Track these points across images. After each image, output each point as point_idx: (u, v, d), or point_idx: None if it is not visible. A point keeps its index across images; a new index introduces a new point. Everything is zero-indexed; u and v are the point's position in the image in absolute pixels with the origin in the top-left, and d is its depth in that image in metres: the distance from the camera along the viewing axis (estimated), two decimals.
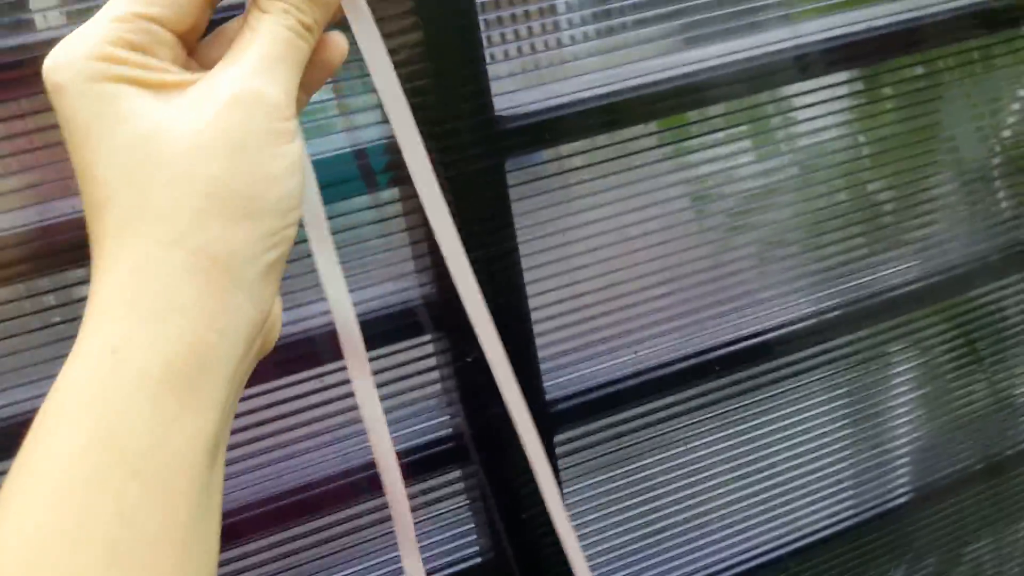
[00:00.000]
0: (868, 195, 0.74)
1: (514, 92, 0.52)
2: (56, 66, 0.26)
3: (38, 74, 0.27)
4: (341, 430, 0.60)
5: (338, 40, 0.32)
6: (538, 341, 0.58)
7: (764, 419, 0.74)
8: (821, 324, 0.70)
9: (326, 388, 0.57)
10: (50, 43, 0.27)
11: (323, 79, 0.31)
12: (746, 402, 0.73)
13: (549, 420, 0.62)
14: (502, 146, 0.52)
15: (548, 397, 0.61)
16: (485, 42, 0.49)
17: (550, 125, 0.52)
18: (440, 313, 0.56)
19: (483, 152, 0.51)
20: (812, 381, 0.75)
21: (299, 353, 0.55)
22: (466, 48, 0.48)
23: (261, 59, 0.27)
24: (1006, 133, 0.81)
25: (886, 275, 0.74)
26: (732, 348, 0.68)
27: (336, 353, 0.44)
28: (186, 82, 0.27)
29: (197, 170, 0.26)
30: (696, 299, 0.65)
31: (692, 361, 0.65)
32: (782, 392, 0.73)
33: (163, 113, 0.26)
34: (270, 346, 0.29)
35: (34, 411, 0.24)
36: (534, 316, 0.58)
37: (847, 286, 0.72)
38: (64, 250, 0.47)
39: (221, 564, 0.40)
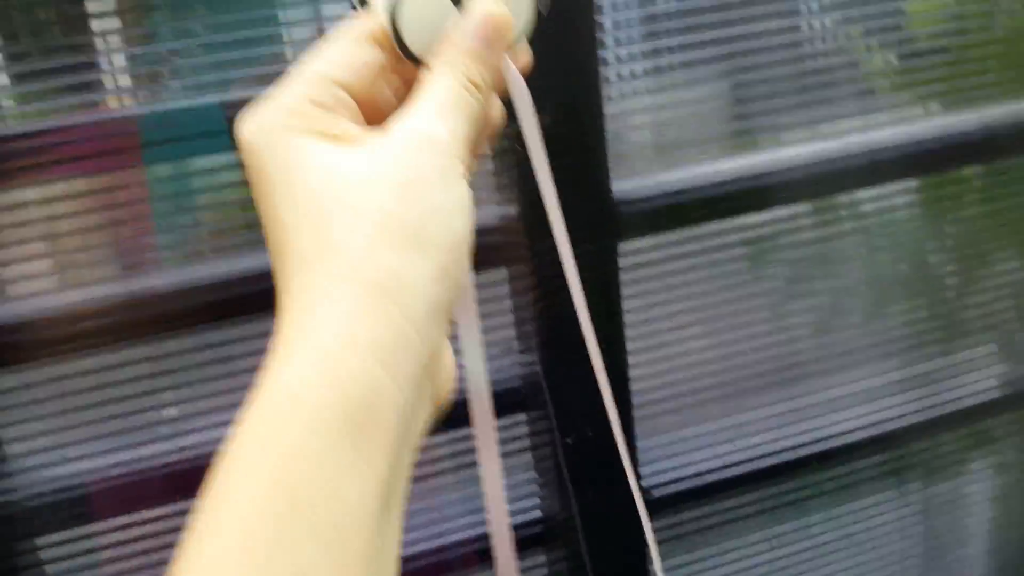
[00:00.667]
0: (966, 298, 0.73)
1: (633, 177, 0.53)
2: (249, 125, 0.28)
3: None
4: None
5: (499, 105, 0.34)
6: (637, 426, 0.58)
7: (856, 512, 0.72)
8: (914, 429, 0.69)
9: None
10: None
11: (487, 137, 0.33)
12: (836, 500, 0.72)
13: (650, 506, 0.62)
14: (617, 229, 0.52)
15: (644, 483, 0.61)
16: (607, 126, 0.50)
17: (666, 211, 0.53)
18: (537, 392, 0.56)
19: (598, 234, 0.51)
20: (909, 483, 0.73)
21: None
22: (590, 134, 0.49)
23: (433, 106, 0.29)
24: None
25: None
26: (825, 447, 0.67)
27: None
28: (365, 138, 0.29)
29: (369, 202, 0.27)
30: (795, 396, 0.64)
31: (787, 456, 0.64)
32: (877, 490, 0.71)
33: (341, 156, 0.28)
34: (444, 397, 0.29)
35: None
36: (634, 400, 0.57)
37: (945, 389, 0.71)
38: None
39: None
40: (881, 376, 0.69)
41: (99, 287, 0.47)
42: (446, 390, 0.30)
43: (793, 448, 0.66)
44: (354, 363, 0.25)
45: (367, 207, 0.27)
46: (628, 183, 0.52)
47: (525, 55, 0.36)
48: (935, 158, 0.63)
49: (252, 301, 0.48)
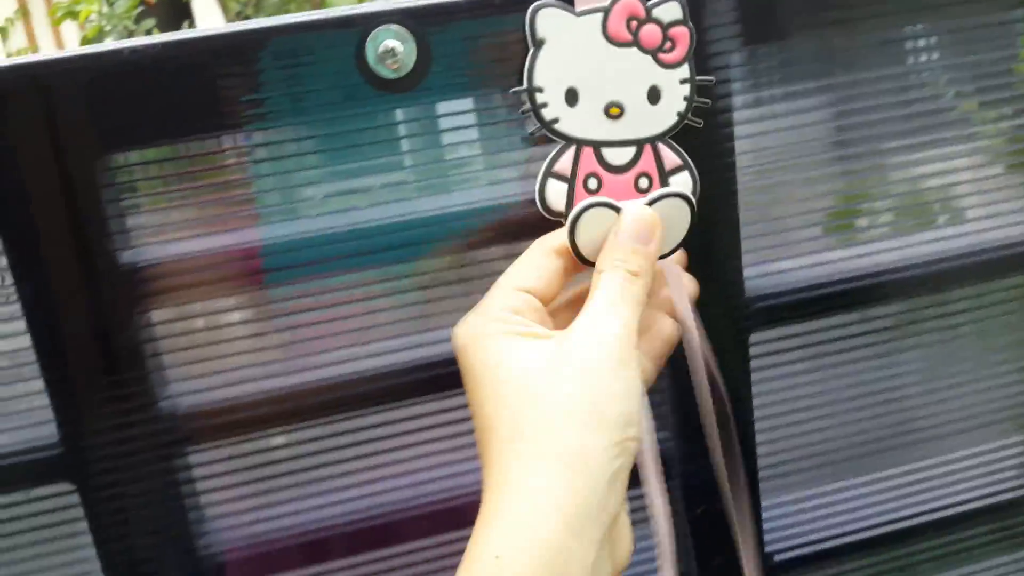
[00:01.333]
0: None
1: (765, 270, 0.58)
2: (460, 332, 0.36)
3: None
4: None
5: (668, 324, 0.42)
6: (763, 503, 0.62)
7: None
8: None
9: None
10: None
11: (665, 352, 0.41)
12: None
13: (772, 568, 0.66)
14: (748, 322, 0.57)
15: (768, 548, 0.65)
16: (741, 222, 0.55)
17: (797, 304, 0.57)
18: (670, 466, 0.61)
19: (729, 326, 0.56)
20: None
21: None
22: (724, 232, 0.54)
23: (603, 302, 0.36)
24: None
25: None
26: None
27: None
28: (551, 335, 0.35)
29: (555, 390, 0.33)
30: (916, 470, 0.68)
31: (905, 524, 0.68)
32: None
33: (531, 353, 0.34)
34: (623, 564, 0.35)
35: None
36: (761, 475, 0.62)
37: None
38: None
39: None
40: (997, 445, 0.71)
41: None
42: (625, 553, 0.36)
43: (913, 516, 0.69)
44: (547, 531, 0.31)
45: (553, 395, 0.33)
46: (760, 277, 0.57)
47: (681, 255, 0.44)
48: None
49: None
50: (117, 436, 0.51)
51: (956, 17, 0.58)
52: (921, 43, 0.59)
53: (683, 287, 0.48)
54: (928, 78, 0.60)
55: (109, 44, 0.45)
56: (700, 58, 0.46)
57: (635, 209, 0.43)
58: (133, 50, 0.44)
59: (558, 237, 0.43)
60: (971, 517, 0.69)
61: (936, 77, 0.60)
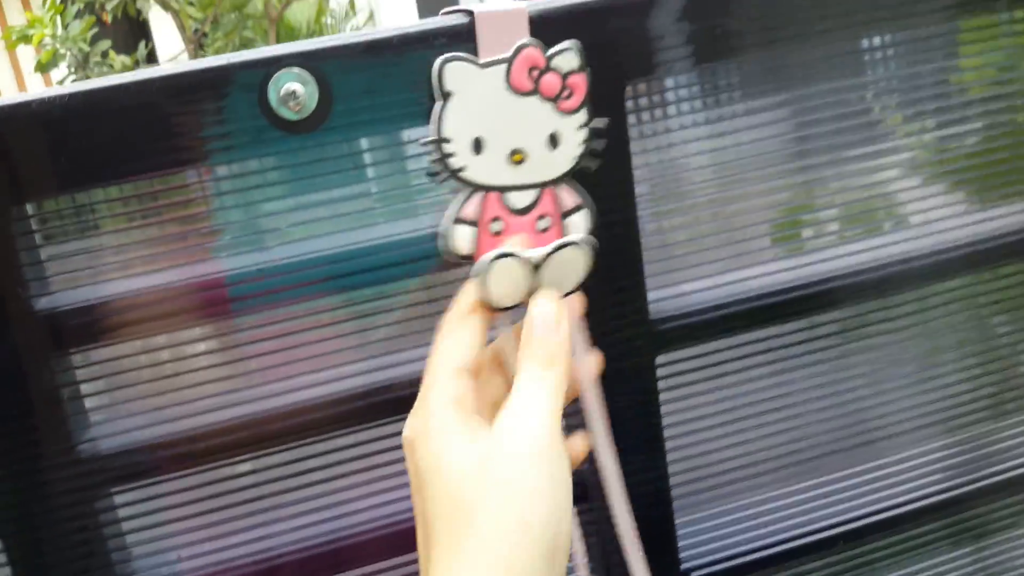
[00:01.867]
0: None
1: (668, 293, 0.61)
2: (407, 429, 0.39)
3: None
4: None
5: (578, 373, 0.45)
6: (677, 517, 0.65)
7: None
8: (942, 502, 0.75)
9: None
10: None
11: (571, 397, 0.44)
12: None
13: None
14: (654, 344, 0.59)
15: (683, 567, 0.67)
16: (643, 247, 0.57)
17: (703, 325, 0.60)
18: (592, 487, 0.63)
19: (636, 349, 0.59)
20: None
21: None
22: (627, 258, 0.57)
23: (524, 400, 0.38)
24: None
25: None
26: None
27: None
28: (483, 431, 0.38)
29: (487, 505, 0.36)
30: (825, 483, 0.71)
31: (817, 536, 0.70)
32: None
33: (466, 457, 0.37)
34: None
35: None
36: (674, 492, 0.64)
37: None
38: None
39: None
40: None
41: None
42: None
43: (826, 527, 0.72)
44: None
45: (484, 508, 0.35)
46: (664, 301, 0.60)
47: (578, 300, 0.46)
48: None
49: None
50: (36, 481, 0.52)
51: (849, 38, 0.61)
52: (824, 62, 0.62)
53: (579, 325, 0.50)
54: (833, 97, 0.64)
55: (15, 97, 0.46)
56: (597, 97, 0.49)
57: (540, 306, 0.45)
58: (41, 102, 0.45)
59: (468, 296, 0.46)
60: (878, 528, 0.72)
61: (846, 94, 0.64)
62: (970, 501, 0.76)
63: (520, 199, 0.49)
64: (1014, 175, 0.70)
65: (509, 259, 0.47)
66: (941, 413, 0.74)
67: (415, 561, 0.61)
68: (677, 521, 0.64)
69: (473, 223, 0.48)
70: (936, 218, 0.67)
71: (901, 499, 0.73)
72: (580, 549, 0.52)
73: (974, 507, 0.77)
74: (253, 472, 0.60)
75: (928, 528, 0.76)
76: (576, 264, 0.49)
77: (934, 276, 0.69)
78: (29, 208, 0.49)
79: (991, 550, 0.81)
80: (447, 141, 0.47)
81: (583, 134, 0.49)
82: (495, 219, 0.48)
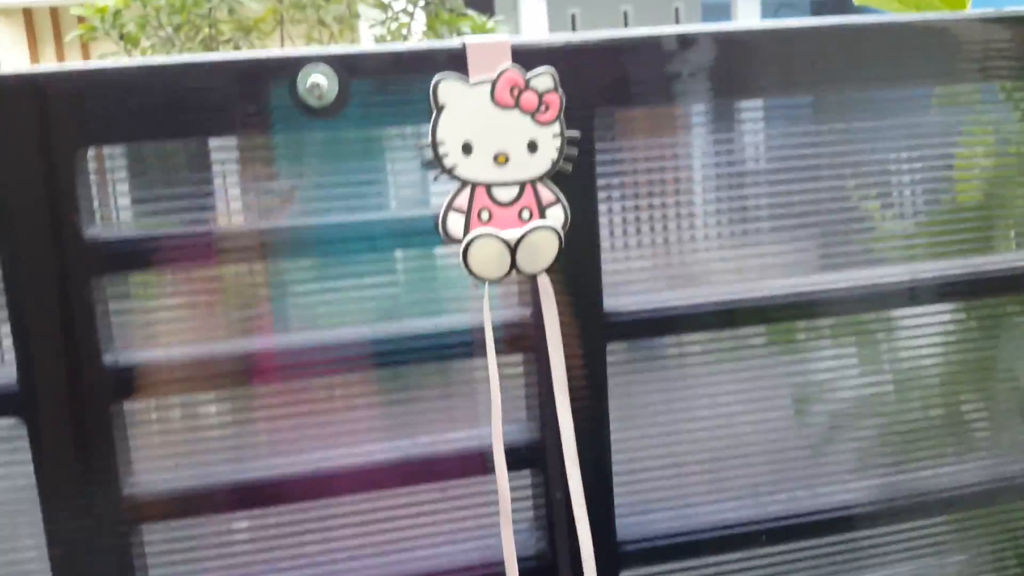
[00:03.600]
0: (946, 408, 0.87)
1: (626, 291, 0.71)
2: None
3: None
4: None
5: None
6: (616, 491, 0.75)
7: None
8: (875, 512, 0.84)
9: None
10: None
11: None
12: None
13: (618, 559, 0.78)
14: (606, 335, 0.70)
15: (619, 538, 0.77)
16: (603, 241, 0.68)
17: (657, 323, 0.71)
18: (540, 454, 0.73)
19: (587, 339, 0.69)
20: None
21: None
22: (587, 255, 0.67)
23: None
24: None
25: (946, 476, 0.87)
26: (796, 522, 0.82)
27: None
28: None
29: None
30: (769, 475, 0.80)
31: (746, 528, 0.80)
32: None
33: None
34: None
35: None
36: (615, 468, 0.74)
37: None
38: None
39: None
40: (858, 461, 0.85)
41: None
42: None
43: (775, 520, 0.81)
44: None
45: None
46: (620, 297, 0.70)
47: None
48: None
49: None
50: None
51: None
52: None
53: (552, 300, 0.62)
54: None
55: (102, 64, 0.57)
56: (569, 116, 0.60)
57: None
58: (121, 70, 0.57)
59: None
60: (801, 530, 0.82)
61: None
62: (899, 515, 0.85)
63: (504, 194, 0.60)
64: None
65: (488, 238, 0.59)
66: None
67: None
68: (616, 497, 0.74)
69: (464, 212, 0.60)
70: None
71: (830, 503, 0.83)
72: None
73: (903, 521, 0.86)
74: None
75: (858, 536, 0.85)
76: (547, 245, 0.60)
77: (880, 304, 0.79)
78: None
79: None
80: (441, 144, 0.59)
81: (558, 142, 0.60)
82: (483, 209, 0.60)
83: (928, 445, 0.85)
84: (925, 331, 0.82)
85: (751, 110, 0.72)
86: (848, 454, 0.84)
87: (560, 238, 0.61)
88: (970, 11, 0.84)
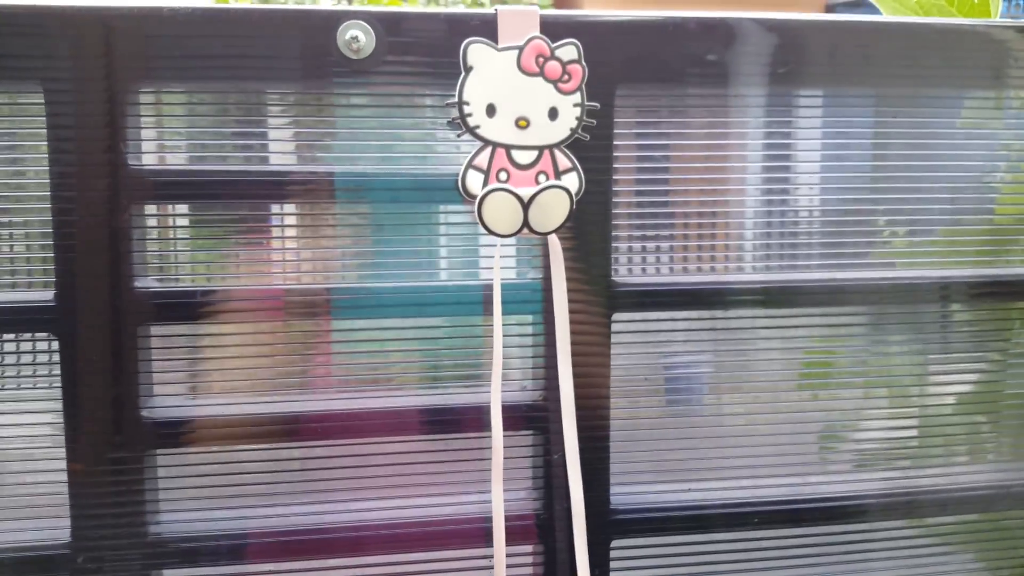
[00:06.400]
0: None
1: (632, 261, 0.76)
2: None
3: None
4: None
5: None
6: (613, 459, 0.80)
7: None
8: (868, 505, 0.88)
9: None
10: None
11: None
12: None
13: (610, 526, 0.83)
14: (612, 305, 0.75)
15: (612, 506, 0.82)
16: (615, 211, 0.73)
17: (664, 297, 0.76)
18: (542, 416, 0.79)
19: (594, 308, 0.74)
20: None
21: None
22: (597, 218, 0.72)
23: None
24: None
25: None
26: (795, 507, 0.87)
27: None
28: None
29: None
30: (769, 458, 0.85)
31: (748, 509, 0.85)
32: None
33: None
34: None
35: None
36: (613, 437, 0.79)
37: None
38: None
39: None
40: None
41: None
42: None
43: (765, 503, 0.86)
44: None
45: None
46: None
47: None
48: None
49: None
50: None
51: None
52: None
53: (560, 261, 0.67)
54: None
55: (150, 3, 0.64)
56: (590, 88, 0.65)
57: None
58: (174, 10, 0.63)
59: None
60: (791, 515, 0.87)
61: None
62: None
63: (524, 157, 0.66)
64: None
65: (502, 192, 0.64)
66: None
67: None
68: (612, 462, 0.80)
69: (483, 171, 0.65)
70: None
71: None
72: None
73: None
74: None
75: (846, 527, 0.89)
76: (559, 205, 0.66)
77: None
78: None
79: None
80: (466, 104, 0.65)
81: (578, 111, 0.65)
82: (502, 170, 0.65)
83: (945, 443, 0.90)
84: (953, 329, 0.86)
85: (779, 97, 0.76)
86: (854, 445, 0.89)
87: (572, 200, 0.66)
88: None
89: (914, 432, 0.89)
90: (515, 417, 0.79)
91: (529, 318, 0.75)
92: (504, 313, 0.68)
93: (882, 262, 0.82)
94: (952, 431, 0.90)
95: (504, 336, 0.70)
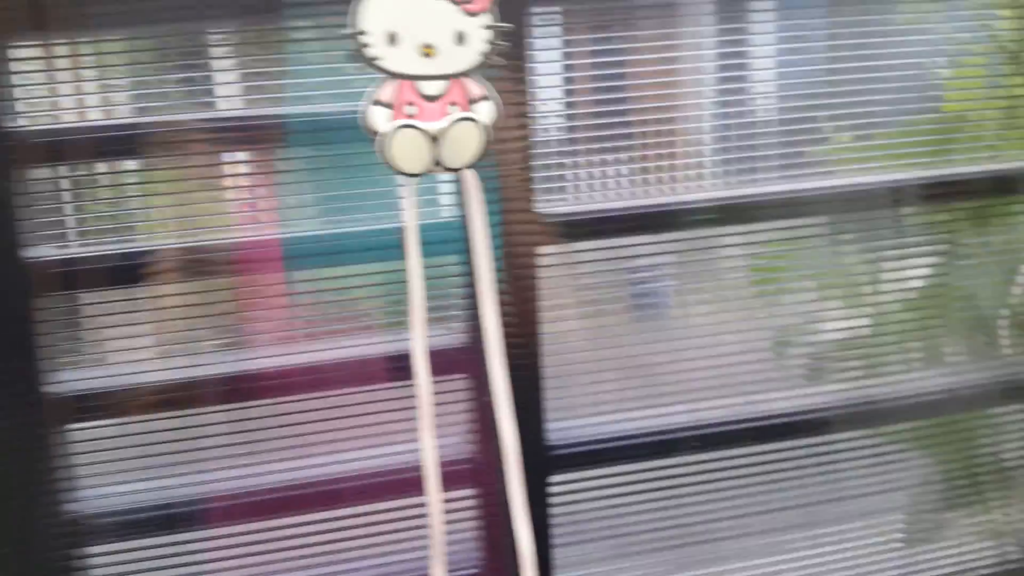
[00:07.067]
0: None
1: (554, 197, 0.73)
2: None
3: None
4: None
5: None
6: (546, 395, 0.78)
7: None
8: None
9: None
10: None
11: None
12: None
13: (547, 462, 0.81)
14: (537, 239, 0.72)
15: (548, 443, 0.80)
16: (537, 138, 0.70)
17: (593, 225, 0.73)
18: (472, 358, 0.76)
19: (520, 241, 0.71)
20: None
21: None
22: (518, 146, 0.69)
23: None
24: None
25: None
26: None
27: None
28: None
29: None
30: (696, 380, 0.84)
31: (678, 435, 0.84)
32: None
33: None
34: None
35: None
36: (545, 373, 0.77)
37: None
38: None
39: None
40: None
41: None
42: None
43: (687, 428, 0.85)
44: None
45: None
46: None
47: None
48: None
49: None
50: None
51: None
52: None
53: (478, 197, 0.63)
54: None
55: None
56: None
57: None
58: None
59: None
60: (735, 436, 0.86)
61: None
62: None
63: (431, 87, 0.61)
64: None
65: (408, 129, 0.59)
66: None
67: None
68: (545, 402, 0.77)
69: (389, 106, 0.60)
70: None
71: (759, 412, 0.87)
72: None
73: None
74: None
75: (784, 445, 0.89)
76: (471, 139, 0.61)
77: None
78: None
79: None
80: (364, 34, 0.59)
81: (488, 34, 0.60)
82: (409, 103, 0.60)
83: (874, 355, 0.89)
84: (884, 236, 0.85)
85: (697, 4, 0.72)
86: (788, 361, 0.88)
87: (486, 132, 0.62)
88: None
89: (865, 338, 0.88)
90: (442, 362, 0.76)
91: (453, 258, 0.72)
92: (425, 255, 0.64)
93: (830, 170, 0.80)
94: (902, 336, 0.90)
95: (427, 279, 0.66)
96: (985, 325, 0.95)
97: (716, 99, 0.75)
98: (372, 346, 0.75)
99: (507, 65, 0.62)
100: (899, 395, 0.89)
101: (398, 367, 0.75)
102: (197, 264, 0.67)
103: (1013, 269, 0.95)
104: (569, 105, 0.70)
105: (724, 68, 0.74)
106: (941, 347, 0.94)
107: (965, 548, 0.97)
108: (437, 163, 0.61)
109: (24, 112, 0.61)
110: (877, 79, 0.77)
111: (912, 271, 0.89)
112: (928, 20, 0.78)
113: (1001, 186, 0.87)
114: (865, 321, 0.88)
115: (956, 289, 0.91)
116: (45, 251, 0.66)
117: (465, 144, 0.61)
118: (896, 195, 0.83)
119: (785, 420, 0.87)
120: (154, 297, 0.70)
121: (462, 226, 0.68)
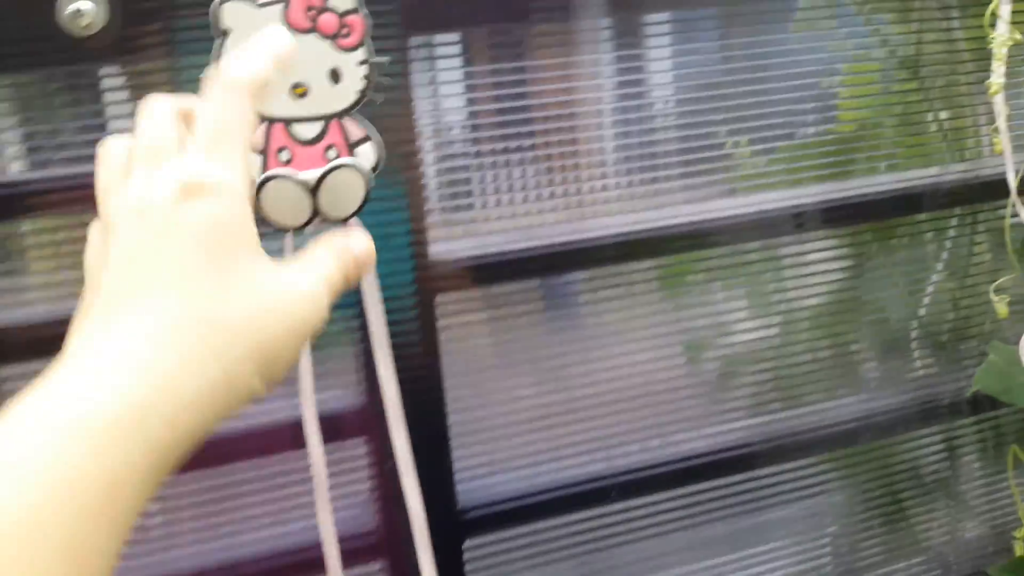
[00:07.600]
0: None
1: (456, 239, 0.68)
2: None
3: None
4: None
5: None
6: (455, 455, 0.72)
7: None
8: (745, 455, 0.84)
9: None
10: None
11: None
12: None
13: (461, 527, 0.76)
14: (433, 287, 0.67)
15: (460, 506, 0.75)
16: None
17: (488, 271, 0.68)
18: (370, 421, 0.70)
19: (413, 290, 0.66)
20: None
21: None
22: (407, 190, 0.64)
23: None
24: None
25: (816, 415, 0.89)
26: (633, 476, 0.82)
27: None
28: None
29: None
30: (610, 426, 0.80)
31: (594, 484, 0.79)
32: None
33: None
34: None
35: None
36: (452, 431, 0.72)
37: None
38: None
39: None
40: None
41: None
42: None
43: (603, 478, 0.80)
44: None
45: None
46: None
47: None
48: None
49: None
50: None
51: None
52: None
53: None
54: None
55: None
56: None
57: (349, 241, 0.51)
58: None
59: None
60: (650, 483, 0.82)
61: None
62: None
63: (306, 130, 0.55)
64: None
65: (280, 180, 0.53)
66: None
67: None
68: (455, 462, 0.72)
69: (261, 152, 0.54)
70: None
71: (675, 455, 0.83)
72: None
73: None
74: None
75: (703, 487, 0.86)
76: (353, 187, 0.55)
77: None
78: None
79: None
80: None
81: (364, 70, 0.55)
82: (282, 148, 0.55)
83: (791, 385, 0.87)
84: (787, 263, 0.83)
85: (591, 31, 0.69)
86: (700, 400, 0.84)
87: (367, 179, 0.56)
88: None
89: (777, 369, 0.86)
90: (336, 427, 0.70)
91: (347, 312, 0.66)
92: None
93: (731, 187, 0.77)
94: (812, 364, 0.87)
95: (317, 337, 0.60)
96: (897, 346, 0.93)
97: (616, 129, 0.71)
98: (258, 416, 0.68)
99: (388, 102, 0.57)
100: (816, 425, 0.87)
101: (288, 436, 0.69)
102: None
103: (920, 287, 0.94)
104: (463, 140, 0.65)
105: (623, 97, 0.70)
106: (854, 372, 0.92)
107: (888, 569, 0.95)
108: (316, 215, 0.54)
109: None
110: (774, 94, 0.74)
111: (817, 295, 0.87)
112: (821, 31, 0.76)
113: (904, 203, 0.86)
114: (776, 349, 0.85)
115: (865, 311, 0.89)
116: None
117: (346, 193, 0.55)
118: (798, 217, 0.80)
119: (704, 460, 0.84)
120: None
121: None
